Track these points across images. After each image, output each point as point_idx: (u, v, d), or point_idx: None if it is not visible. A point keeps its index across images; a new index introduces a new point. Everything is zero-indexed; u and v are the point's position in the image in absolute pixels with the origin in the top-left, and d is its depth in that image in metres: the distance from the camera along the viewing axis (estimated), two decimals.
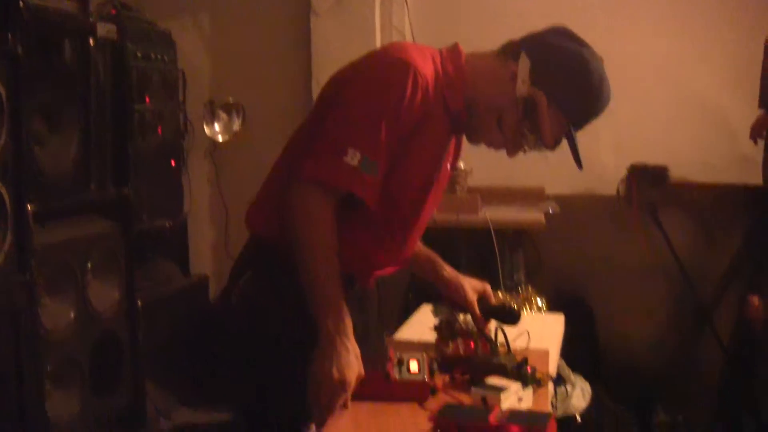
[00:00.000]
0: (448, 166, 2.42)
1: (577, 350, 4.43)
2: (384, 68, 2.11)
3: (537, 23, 2.32)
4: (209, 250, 5.29)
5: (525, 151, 2.26)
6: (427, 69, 2.12)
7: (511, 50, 2.21)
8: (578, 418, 4.15)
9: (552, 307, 4.08)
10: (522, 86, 2.14)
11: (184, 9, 5.18)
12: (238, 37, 5.16)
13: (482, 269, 4.24)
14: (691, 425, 4.51)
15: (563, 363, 4.18)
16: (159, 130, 4.63)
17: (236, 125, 4.98)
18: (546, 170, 4.87)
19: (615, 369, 4.87)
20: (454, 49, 2.26)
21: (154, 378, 4.39)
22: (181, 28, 5.04)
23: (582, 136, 4.99)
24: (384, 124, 2.04)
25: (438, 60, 2.20)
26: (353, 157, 2.02)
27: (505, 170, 4.79)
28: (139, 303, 4.19)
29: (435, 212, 4.29)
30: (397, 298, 4.28)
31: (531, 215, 4.40)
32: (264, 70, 5.07)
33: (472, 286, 2.55)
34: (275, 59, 5.06)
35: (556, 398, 4.01)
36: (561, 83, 2.16)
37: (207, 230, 5.25)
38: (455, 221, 4.28)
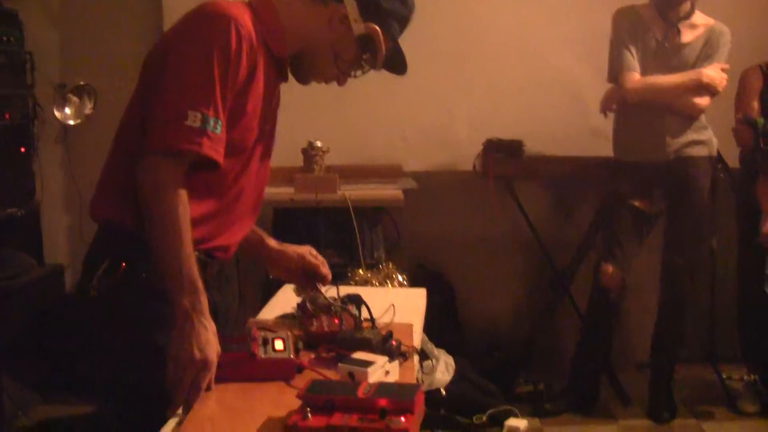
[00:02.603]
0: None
1: (440, 325, 4.50)
2: (205, 26, 2.09)
3: None
4: (64, 237, 5.15)
5: (355, 77, 2.38)
6: (245, 20, 2.13)
7: None
8: (443, 391, 4.20)
9: (413, 282, 4.13)
10: (357, 25, 2.25)
11: None
12: (87, 16, 5.04)
13: (342, 247, 4.26)
14: (552, 392, 4.62)
15: (426, 338, 4.23)
16: (6, 115, 4.48)
17: (88, 108, 4.84)
18: (403, 148, 4.93)
19: (477, 341, 4.96)
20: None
21: (10, 372, 4.26)
22: (28, 8, 4.85)
23: (438, 113, 5.08)
24: (217, 80, 2.04)
25: (249, 11, 2.21)
26: (194, 119, 2.00)
27: (363, 149, 4.84)
28: None
29: (294, 192, 4.32)
30: (259, 278, 4.25)
31: (389, 192, 4.44)
32: (115, 51, 4.95)
33: (295, 251, 2.59)
34: (126, 39, 4.94)
35: (422, 373, 4.05)
36: (388, 12, 2.27)
37: (61, 217, 5.11)
38: (314, 200, 4.29)
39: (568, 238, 4.92)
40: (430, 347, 4.32)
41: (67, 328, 4.50)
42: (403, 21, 2.33)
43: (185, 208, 2.01)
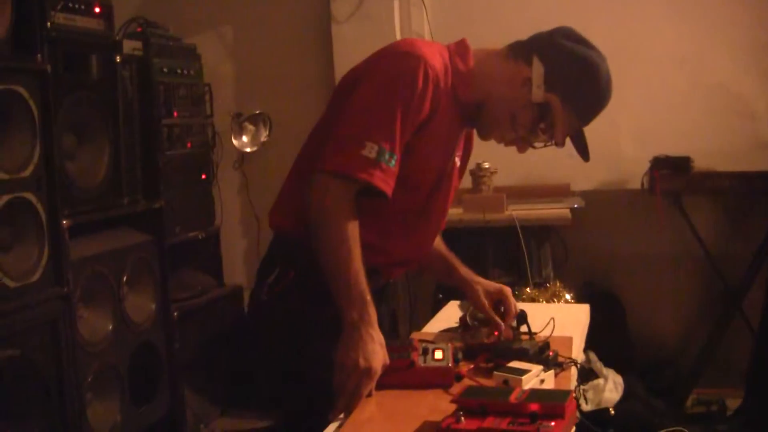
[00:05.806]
0: (457, 160, 2.48)
1: (609, 343, 4.47)
2: (395, 63, 2.18)
3: (551, 22, 2.38)
4: (242, 259, 5.36)
5: (535, 147, 2.36)
6: (436, 62, 2.19)
7: (521, 52, 2.29)
8: (612, 410, 4.18)
9: (581, 300, 4.12)
10: (537, 91, 2.23)
11: (208, 23, 5.29)
12: (260, 47, 5.27)
13: (511, 266, 4.30)
14: (725, 412, 4.51)
15: (595, 357, 4.23)
16: (188, 143, 4.71)
17: (263, 135, 5.05)
18: (571, 167, 4.90)
19: (647, 360, 4.89)
20: (462, 44, 2.35)
21: (192, 387, 4.46)
22: (206, 42, 5.12)
23: (604, 131, 5.04)
24: (398, 116, 2.12)
25: (446, 55, 2.28)
26: (371, 150, 2.09)
27: (530, 169, 4.87)
28: (175, 313, 4.27)
29: (462, 212, 4.38)
30: (427, 297, 4.34)
31: (556, 211, 4.44)
32: (288, 79, 5.16)
33: (485, 289, 2.58)
34: (298, 68, 5.14)
35: (584, 392, 4.04)
36: (574, 87, 2.25)
37: (239, 240, 5.33)
38: (482, 220, 4.34)
39: (739, 253, 4.80)
40: (599, 366, 4.30)
41: (242, 338, 4.68)
42: (592, 103, 2.29)
43: (353, 225, 2.10)
